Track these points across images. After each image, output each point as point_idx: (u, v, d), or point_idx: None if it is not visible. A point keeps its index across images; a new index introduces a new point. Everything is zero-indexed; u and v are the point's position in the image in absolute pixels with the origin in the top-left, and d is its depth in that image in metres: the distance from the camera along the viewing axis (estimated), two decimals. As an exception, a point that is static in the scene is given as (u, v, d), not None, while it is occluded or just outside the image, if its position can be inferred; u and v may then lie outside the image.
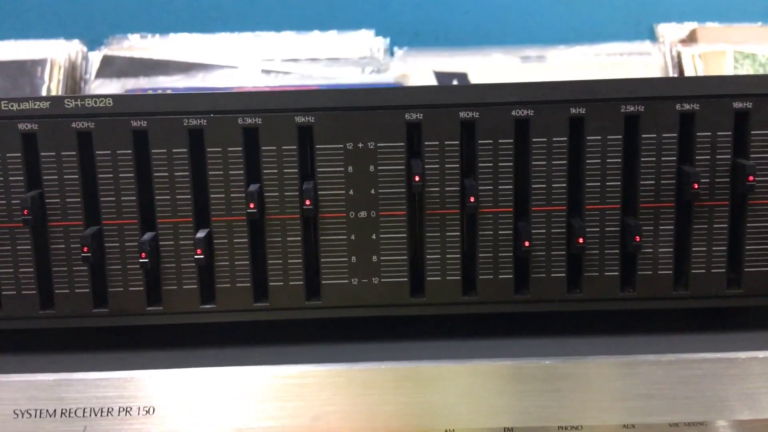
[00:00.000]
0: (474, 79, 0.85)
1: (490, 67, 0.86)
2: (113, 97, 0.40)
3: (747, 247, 0.42)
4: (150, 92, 0.87)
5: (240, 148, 0.40)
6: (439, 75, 0.86)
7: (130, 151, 0.40)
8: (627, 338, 0.43)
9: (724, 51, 0.86)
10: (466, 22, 0.91)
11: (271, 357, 0.41)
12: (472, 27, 0.91)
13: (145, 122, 0.40)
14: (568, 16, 0.91)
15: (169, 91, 0.86)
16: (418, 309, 0.42)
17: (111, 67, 0.87)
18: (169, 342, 0.43)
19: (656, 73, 0.87)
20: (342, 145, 0.41)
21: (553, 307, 0.42)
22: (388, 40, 0.89)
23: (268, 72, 0.86)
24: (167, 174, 0.41)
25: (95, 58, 0.87)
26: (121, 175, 0.41)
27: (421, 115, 0.40)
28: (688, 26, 0.90)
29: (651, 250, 0.42)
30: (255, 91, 0.41)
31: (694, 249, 0.42)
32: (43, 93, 0.84)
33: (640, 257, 0.42)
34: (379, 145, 0.41)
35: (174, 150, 0.41)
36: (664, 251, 0.42)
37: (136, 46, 0.89)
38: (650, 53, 0.88)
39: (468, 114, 0.41)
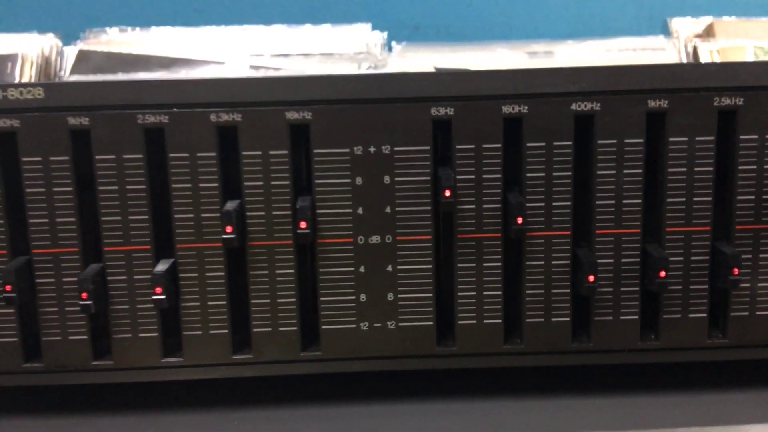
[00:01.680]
0: (477, 76, 0.82)
1: (495, 63, 0.84)
2: (44, 86, 0.32)
3: None
4: (141, 80, 0.85)
5: (213, 154, 0.33)
6: (439, 72, 0.82)
7: (67, 158, 0.32)
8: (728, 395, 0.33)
9: (743, 46, 0.83)
10: (468, 16, 0.89)
11: (255, 426, 0.33)
12: (476, 20, 0.88)
13: (87, 119, 0.32)
14: (577, 9, 0.88)
15: (165, 79, 0.84)
16: (447, 361, 0.34)
17: (87, 63, 0.84)
18: (120, 404, 0.35)
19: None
20: (348, 150, 0.33)
21: (622, 358, 0.34)
22: (385, 34, 0.85)
23: (256, 68, 0.83)
24: (117, 187, 0.32)
25: (71, 52, 0.83)
26: (55, 189, 0.33)
27: (453, 110, 0.32)
28: (703, 20, 0.87)
29: (749, 284, 0.33)
30: (233, 78, 0.32)
31: None
32: (12, 87, 0.80)
33: (735, 294, 0.33)
34: (396, 149, 0.33)
35: (125, 156, 0.33)
36: (765, 286, 0.33)
37: (114, 40, 0.86)
38: (664, 48, 0.85)
39: (513, 108, 0.32)
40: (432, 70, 0.81)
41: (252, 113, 0.32)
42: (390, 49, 0.84)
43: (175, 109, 0.32)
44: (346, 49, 0.83)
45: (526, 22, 0.88)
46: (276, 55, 0.82)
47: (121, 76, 0.84)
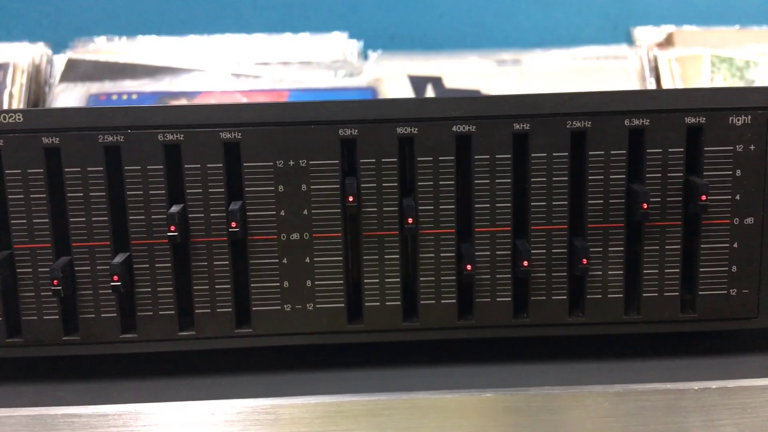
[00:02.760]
0: (449, 83, 0.84)
1: (466, 71, 0.85)
2: (23, 112, 0.38)
3: (701, 269, 0.40)
4: (115, 96, 0.85)
5: (161, 167, 0.38)
6: (413, 79, 0.84)
7: (41, 170, 0.38)
8: (574, 365, 0.40)
9: (700, 55, 0.85)
10: (441, 26, 0.91)
11: (194, 391, 0.38)
12: (448, 30, 0.90)
13: (58, 139, 0.38)
14: (545, 19, 0.91)
15: (135, 96, 0.84)
16: (356, 336, 0.40)
17: (76, 71, 0.85)
18: (86, 373, 0.41)
19: (633, 77, 0.85)
20: (272, 163, 0.39)
21: (497, 333, 0.40)
22: (362, 43, 0.88)
23: (237, 76, 0.85)
24: (82, 194, 0.38)
25: (60, 61, 0.85)
26: (32, 195, 0.38)
27: (357, 130, 0.38)
28: (665, 29, 0.89)
29: (600, 272, 0.40)
30: (176, 105, 0.38)
31: (645, 271, 0.40)
32: (5, 98, 0.82)
33: (589, 280, 0.40)
34: (311, 162, 0.39)
35: (89, 168, 0.38)
36: (613, 274, 0.40)
37: (102, 49, 0.87)
38: (627, 57, 0.87)
39: (406, 129, 0.38)
40: (405, 77, 0.85)
41: (193, 134, 0.38)
42: (366, 57, 0.87)
43: (129, 131, 0.37)
44: (324, 58, 0.85)
45: (496, 31, 0.91)
46: (257, 63, 0.84)
47: (107, 85, 0.86)
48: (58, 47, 0.86)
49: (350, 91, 0.83)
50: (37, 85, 0.84)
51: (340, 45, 0.87)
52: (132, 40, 0.86)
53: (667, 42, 0.88)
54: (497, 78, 0.84)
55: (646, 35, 0.89)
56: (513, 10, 0.91)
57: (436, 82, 0.84)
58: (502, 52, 0.87)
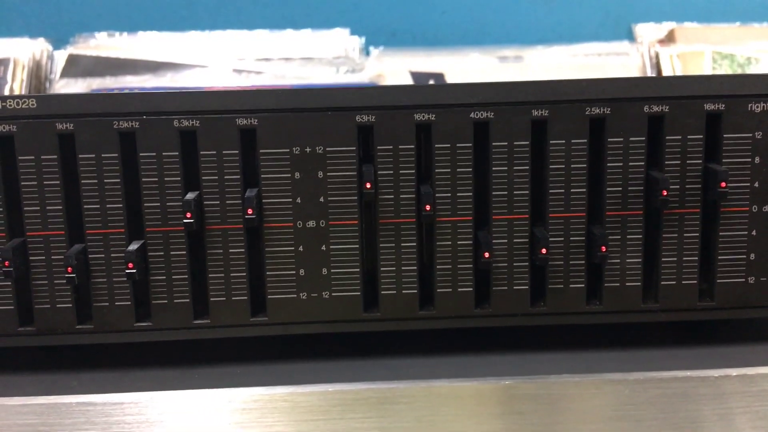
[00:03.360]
0: (451, 79, 0.84)
1: (468, 67, 0.85)
2: (36, 97, 0.37)
3: (719, 257, 0.40)
4: (116, 92, 0.84)
5: (176, 153, 0.38)
6: (415, 75, 0.85)
7: (55, 156, 0.38)
8: (593, 354, 0.40)
9: (702, 51, 0.85)
10: (443, 22, 0.90)
11: (210, 379, 0.38)
12: (450, 27, 0.90)
13: (72, 125, 0.37)
14: (547, 16, 0.91)
15: (137, 91, 0.83)
16: (372, 325, 0.40)
17: (77, 67, 0.85)
18: (101, 362, 0.41)
19: (634, 73, 0.85)
20: (288, 150, 0.38)
21: (515, 321, 0.40)
22: (363, 39, 0.88)
23: (239, 72, 0.85)
24: (96, 181, 0.38)
25: (61, 57, 0.85)
26: (46, 182, 0.38)
27: (374, 117, 0.38)
28: (666, 26, 0.89)
29: (618, 260, 0.40)
30: (192, 91, 0.38)
31: (663, 259, 0.40)
32: (5, 94, 0.82)
33: (607, 268, 0.40)
34: (328, 149, 0.38)
35: (104, 155, 0.38)
36: (632, 262, 0.40)
37: (103, 44, 0.86)
38: (628, 54, 0.88)
39: (424, 116, 0.38)
40: (407, 73, 0.85)
41: (208, 120, 0.37)
42: (368, 53, 0.87)
43: (145, 117, 0.37)
44: (325, 54, 0.85)
45: (497, 28, 0.90)
46: (259, 59, 0.84)
47: (108, 80, 0.86)
48: (58, 43, 0.86)
49: (350, 86, 0.83)
50: (38, 80, 0.84)
51: (341, 41, 0.87)
52: (133, 35, 0.86)
53: (669, 39, 0.88)
54: (499, 74, 0.84)
55: (647, 32, 0.89)
56: (514, 7, 0.91)
57: (438, 78, 0.84)
58: (503, 49, 0.87)
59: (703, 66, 0.85)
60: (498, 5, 0.90)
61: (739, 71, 0.85)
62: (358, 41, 0.87)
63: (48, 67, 0.85)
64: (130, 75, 0.83)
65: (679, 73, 0.84)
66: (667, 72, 0.85)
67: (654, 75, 0.86)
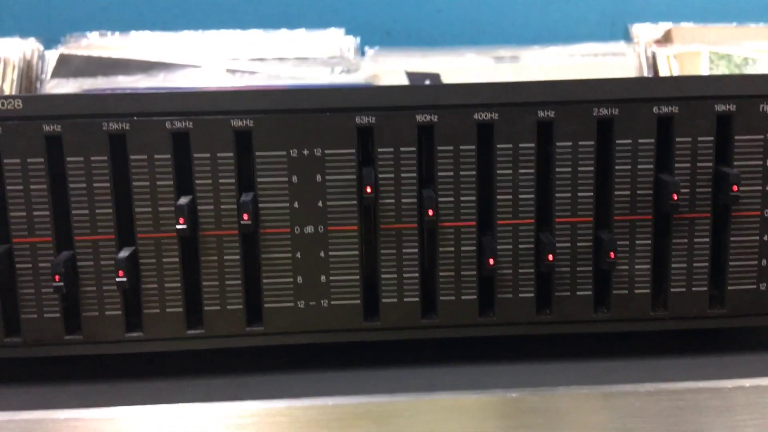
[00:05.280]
0: (447, 79, 0.83)
1: (464, 67, 0.84)
2: (23, 98, 0.36)
3: (731, 263, 0.39)
4: (106, 92, 0.83)
5: (168, 156, 0.37)
6: (411, 75, 0.84)
7: (42, 159, 0.36)
8: (601, 364, 0.39)
9: (699, 52, 0.85)
10: (439, 22, 0.89)
11: (205, 392, 0.37)
12: (446, 27, 0.89)
13: (59, 126, 0.36)
14: (543, 16, 0.90)
15: (127, 92, 0.82)
16: (372, 334, 0.39)
17: (68, 67, 0.84)
18: (90, 375, 0.39)
19: (631, 74, 0.85)
20: (285, 152, 0.37)
21: (520, 330, 0.39)
22: (358, 39, 0.87)
23: (233, 71, 0.84)
24: (85, 185, 0.36)
25: (52, 56, 0.83)
26: (32, 186, 0.36)
27: (374, 118, 0.37)
28: (663, 26, 0.89)
29: (627, 267, 0.38)
30: (185, 91, 0.36)
31: (673, 265, 0.38)
32: (-5, 94, 0.80)
33: (615, 275, 0.38)
34: (326, 152, 0.37)
35: (92, 158, 0.36)
36: (640, 268, 0.38)
37: (94, 44, 0.85)
38: (625, 54, 0.87)
39: (426, 117, 0.37)
40: (403, 73, 0.84)
41: (202, 121, 0.36)
42: (363, 53, 0.86)
43: (135, 118, 0.36)
44: (320, 54, 0.84)
45: (493, 28, 0.89)
46: (252, 59, 0.83)
47: (100, 81, 0.85)
48: (49, 42, 0.84)
49: (346, 86, 0.82)
50: (29, 81, 0.83)
51: (336, 41, 0.86)
52: (125, 35, 0.85)
53: (665, 39, 0.88)
54: (495, 74, 0.84)
55: (644, 32, 0.89)
56: (510, 7, 0.90)
57: (434, 78, 0.83)
58: (499, 49, 0.86)
59: (700, 66, 0.85)
60: (494, 5, 0.90)
61: (736, 71, 0.84)
62: (353, 41, 0.86)
63: (39, 67, 0.84)
64: (122, 75, 0.82)
65: (676, 73, 0.84)
66: (664, 72, 0.84)
67: (651, 75, 0.85)
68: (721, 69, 0.84)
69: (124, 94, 0.36)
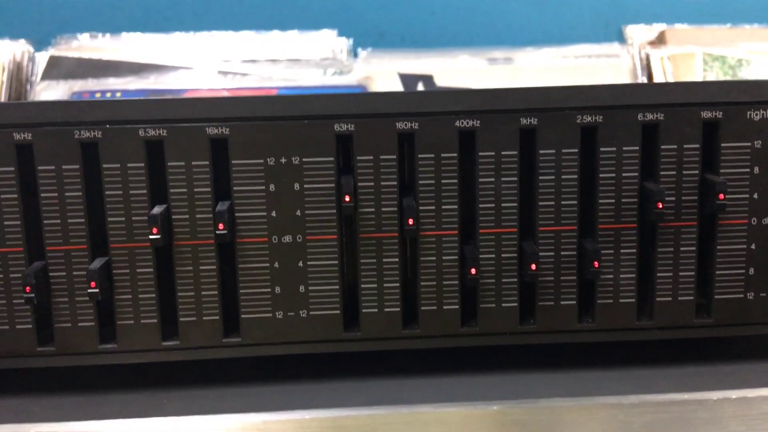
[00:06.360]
0: (440, 81, 0.82)
1: (457, 69, 0.84)
2: (-8, 105, 0.35)
3: (717, 272, 0.38)
4: (98, 95, 0.82)
5: (142, 164, 0.36)
6: (404, 77, 0.83)
7: (12, 168, 0.36)
8: (585, 375, 0.38)
9: (693, 53, 0.84)
10: (432, 23, 0.89)
11: (180, 405, 0.36)
12: (439, 28, 0.89)
13: (30, 134, 0.35)
14: (536, 17, 0.90)
15: (118, 94, 0.82)
16: (353, 345, 0.38)
17: (58, 69, 0.83)
18: (63, 387, 0.38)
19: (625, 75, 0.84)
20: (262, 161, 0.36)
21: (503, 340, 0.38)
22: (351, 40, 0.86)
23: (225, 73, 0.83)
24: (57, 194, 0.36)
25: (42, 58, 0.83)
26: (2, 195, 0.36)
27: (353, 126, 0.36)
28: (657, 28, 0.88)
29: (611, 276, 0.38)
30: (158, 98, 0.36)
31: (659, 274, 0.38)
32: (-15, 97, 0.80)
33: (600, 284, 0.38)
34: (304, 160, 0.36)
35: (64, 166, 0.36)
36: (625, 277, 0.38)
37: (85, 46, 0.85)
38: (619, 55, 0.87)
39: (406, 125, 0.36)
40: (396, 75, 0.83)
41: (176, 129, 0.35)
42: (356, 55, 0.85)
43: (108, 126, 0.35)
44: (313, 55, 0.84)
45: (487, 29, 0.89)
46: (245, 60, 0.82)
47: (90, 83, 0.84)
48: (40, 44, 0.84)
49: (340, 90, 0.82)
50: (18, 82, 0.82)
51: (329, 42, 0.85)
52: (116, 36, 0.85)
53: (659, 40, 0.87)
54: (489, 76, 0.83)
55: (638, 34, 0.88)
56: (504, 8, 0.89)
57: (427, 80, 0.83)
58: (493, 50, 0.86)
59: (694, 68, 0.84)
60: (488, 6, 0.89)
61: (730, 73, 0.84)
62: (345, 42, 0.86)
63: (29, 69, 0.83)
64: (113, 77, 0.82)
65: (670, 75, 0.83)
66: (658, 74, 0.84)
67: (645, 77, 0.85)
68: (716, 71, 0.84)
69: (96, 101, 0.35)
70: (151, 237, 0.35)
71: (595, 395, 0.35)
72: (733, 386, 0.36)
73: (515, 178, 0.37)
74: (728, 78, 0.83)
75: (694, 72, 0.84)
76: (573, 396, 0.35)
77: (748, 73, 0.84)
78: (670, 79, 0.83)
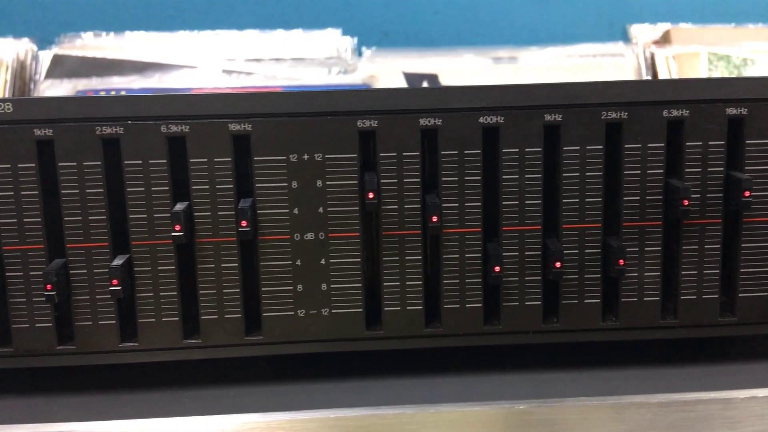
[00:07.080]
0: (445, 80, 0.82)
1: (461, 68, 0.84)
2: (13, 101, 0.35)
3: (742, 270, 0.38)
4: (102, 93, 0.82)
5: (164, 161, 0.35)
6: (408, 76, 0.83)
7: (33, 165, 0.35)
8: (610, 374, 0.38)
9: (698, 52, 0.84)
10: (436, 22, 0.89)
11: (202, 404, 0.36)
12: (443, 27, 0.89)
13: (51, 130, 0.35)
14: (541, 16, 0.90)
15: (122, 93, 0.81)
16: (375, 343, 0.38)
17: (62, 67, 0.83)
18: (84, 386, 0.38)
19: (630, 74, 0.84)
20: (285, 157, 0.36)
21: (527, 339, 0.38)
22: (356, 39, 0.86)
23: (229, 72, 0.83)
24: (78, 191, 0.35)
25: (46, 57, 0.83)
26: (23, 192, 0.35)
27: (376, 122, 0.36)
28: (661, 27, 0.88)
29: (636, 274, 0.37)
30: (181, 93, 0.35)
31: (683, 272, 0.37)
32: (-12, 95, 0.80)
33: (624, 282, 0.37)
34: (327, 156, 0.36)
35: (85, 163, 0.35)
36: (650, 275, 0.37)
37: (89, 44, 0.84)
38: (623, 55, 0.87)
39: (429, 121, 0.36)
40: (400, 74, 0.83)
41: (198, 125, 0.35)
42: (360, 54, 0.85)
43: (130, 122, 0.35)
44: (317, 54, 0.84)
45: (491, 29, 0.89)
46: (249, 59, 0.82)
47: (94, 81, 0.84)
48: (43, 43, 0.84)
49: (344, 88, 0.81)
50: (22, 81, 0.82)
51: (333, 41, 0.85)
52: (120, 35, 0.84)
53: (664, 40, 0.87)
54: (493, 75, 0.83)
55: (642, 33, 0.88)
56: (508, 7, 0.89)
57: (432, 79, 0.83)
58: (497, 50, 0.86)
59: (699, 67, 0.84)
60: (492, 5, 0.89)
61: (735, 72, 0.84)
62: (350, 41, 0.86)
63: (32, 67, 0.83)
64: (116, 76, 0.81)
65: (675, 74, 0.83)
66: (663, 73, 0.83)
67: (650, 76, 0.85)
68: (720, 70, 0.84)
69: (118, 97, 0.35)
70: (173, 234, 0.35)
71: (621, 394, 0.35)
72: (759, 385, 0.35)
73: (539, 175, 0.36)
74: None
75: (699, 71, 0.84)
76: (600, 395, 0.34)
77: (752, 72, 0.84)
78: (675, 78, 0.83)
